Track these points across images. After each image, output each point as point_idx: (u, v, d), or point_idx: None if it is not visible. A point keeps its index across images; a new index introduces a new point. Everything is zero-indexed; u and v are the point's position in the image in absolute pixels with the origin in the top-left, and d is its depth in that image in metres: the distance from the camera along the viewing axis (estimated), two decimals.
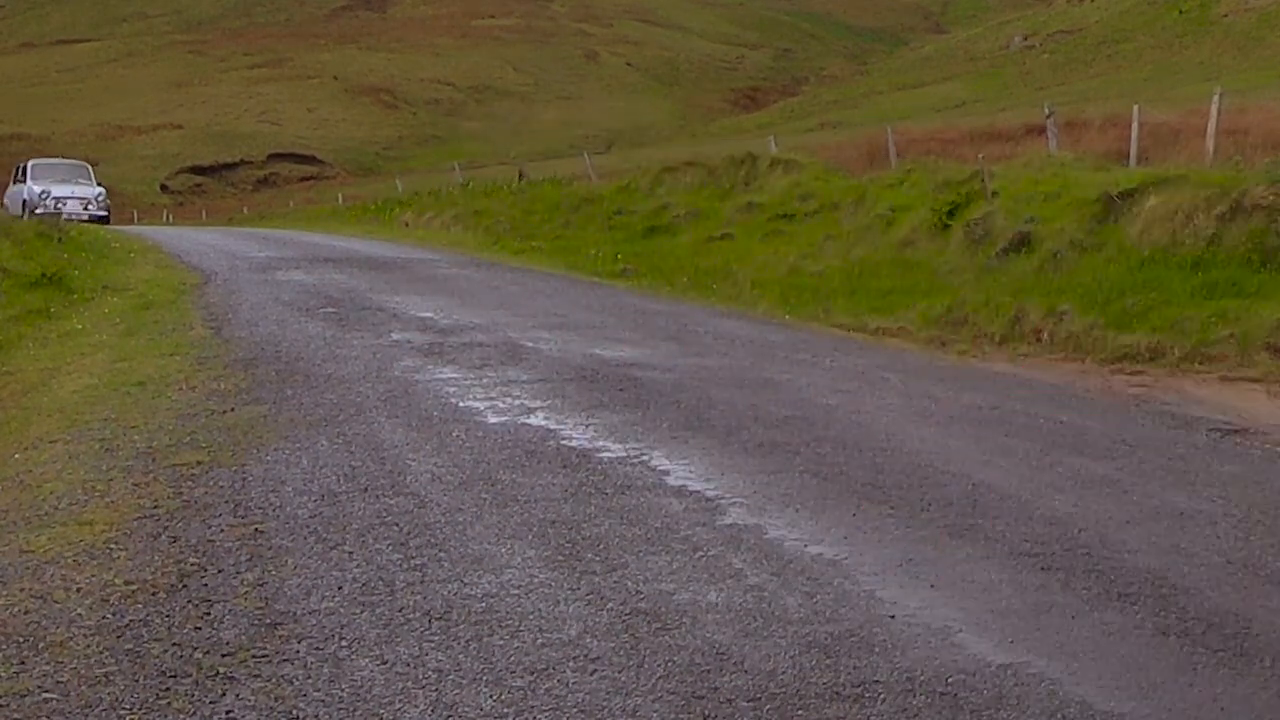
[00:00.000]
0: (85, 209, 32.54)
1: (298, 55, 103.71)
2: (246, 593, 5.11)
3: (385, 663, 4.47)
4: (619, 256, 19.25)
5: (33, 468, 7.17)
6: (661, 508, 6.22)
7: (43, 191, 32.62)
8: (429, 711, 4.12)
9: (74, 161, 38.95)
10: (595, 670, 4.40)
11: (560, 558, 5.51)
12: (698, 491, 6.51)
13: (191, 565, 5.43)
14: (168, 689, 4.29)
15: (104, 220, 32.89)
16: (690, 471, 6.85)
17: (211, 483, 6.63)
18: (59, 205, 31.62)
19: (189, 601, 5.03)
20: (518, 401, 8.56)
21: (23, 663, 4.51)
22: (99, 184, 35.29)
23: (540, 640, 4.65)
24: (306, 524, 5.95)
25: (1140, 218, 13.20)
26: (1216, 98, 16.65)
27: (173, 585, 5.21)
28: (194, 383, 9.13)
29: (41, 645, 4.65)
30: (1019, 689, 4.28)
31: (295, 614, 4.89)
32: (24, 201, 32.76)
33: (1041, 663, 4.48)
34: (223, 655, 4.53)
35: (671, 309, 13.97)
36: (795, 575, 5.31)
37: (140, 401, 8.63)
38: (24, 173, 34.77)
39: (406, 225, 29.75)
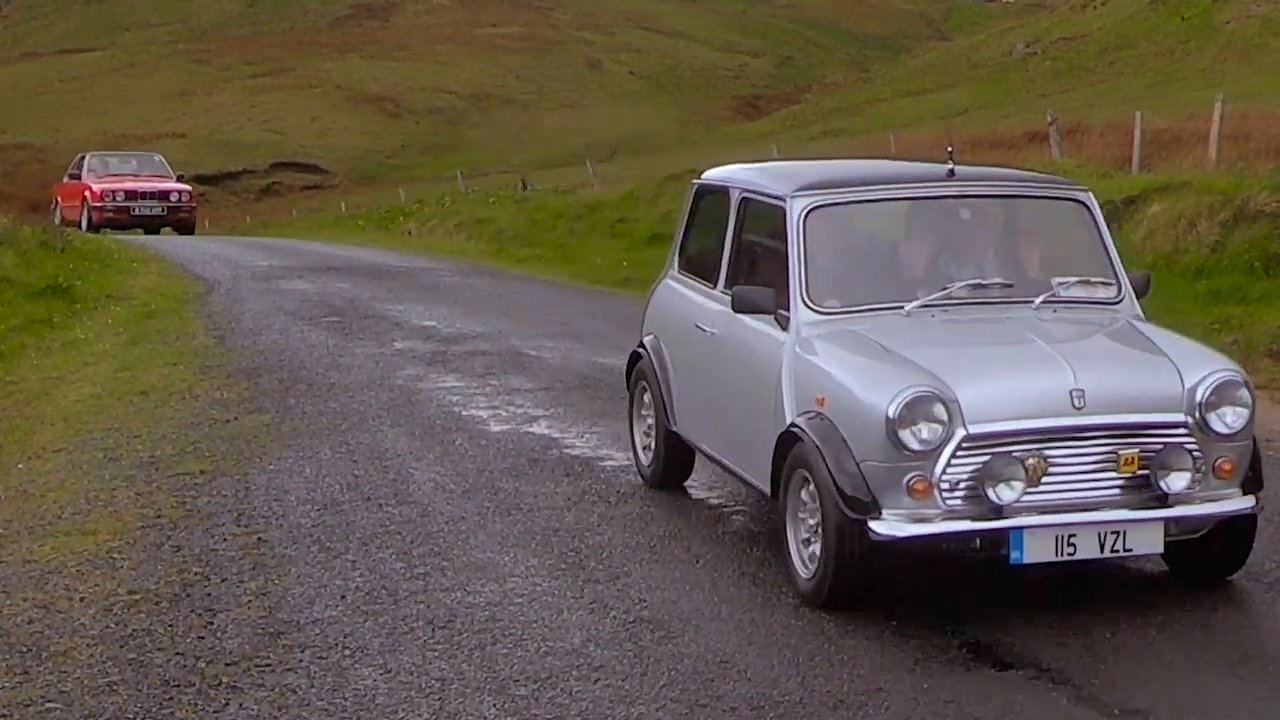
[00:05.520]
0: None
1: (301, 64, 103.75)
2: (250, 602, 5.11)
3: (389, 671, 4.47)
4: (622, 264, 19.23)
5: (36, 477, 7.17)
6: (665, 516, 6.22)
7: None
8: None
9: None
10: (599, 679, 4.40)
11: (563, 566, 5.51)
12: (701, 499, 6.52)
13: (195, 574, 5.44)
14: (171, 698, 4.29)
15: None
16: (693, 479, 6.84)
17: (214, 492, 6.63)
18: None
19: (192, 610, 5.03)
20: (520, 410, 8.56)
21: (26, 672, 4.52)
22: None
23: (544, 649, 4.65)
24: (309, 533, 5.95)
25: (1143, 225, 13.20)
26: (1219, 104, 16.64)
27: (176, 594, 5.21)
28: (197, 392, 9.14)
29: (45, 654, 4.65)
30: (1025, 697, 4.28)
31: (298, 623, 4.89)
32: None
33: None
34: (226, 664, 4.53)
35: None
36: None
37: (143, 411, 8.64)
38: None
39: (410, 234, 29.71)
